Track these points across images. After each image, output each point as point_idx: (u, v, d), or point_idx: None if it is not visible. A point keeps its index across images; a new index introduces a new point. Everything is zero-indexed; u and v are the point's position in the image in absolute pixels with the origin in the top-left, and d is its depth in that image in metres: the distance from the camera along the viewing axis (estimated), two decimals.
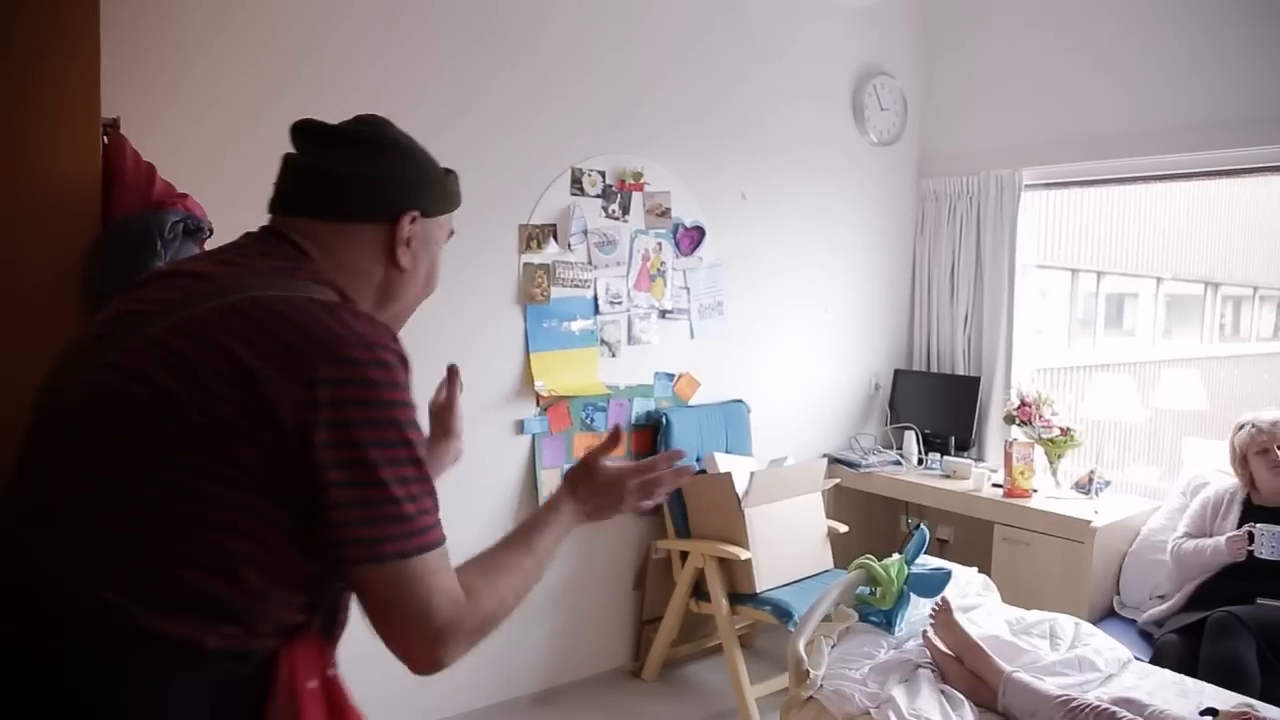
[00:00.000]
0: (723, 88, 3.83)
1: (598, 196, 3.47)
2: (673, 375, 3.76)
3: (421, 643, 1.05)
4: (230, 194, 2.49)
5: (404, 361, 1.07)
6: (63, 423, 1.04)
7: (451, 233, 1.31)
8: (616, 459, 1.36)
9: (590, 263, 3.48)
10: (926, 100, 4.64)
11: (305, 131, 1.21)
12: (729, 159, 3.89)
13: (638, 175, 3.57)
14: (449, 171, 1.29)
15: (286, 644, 1.05)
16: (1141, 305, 9.07)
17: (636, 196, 3.57)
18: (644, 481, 1.33)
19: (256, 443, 0.98)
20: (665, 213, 3.66)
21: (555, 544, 1.26)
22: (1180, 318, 9.85)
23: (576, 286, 3.45)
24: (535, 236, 3.34)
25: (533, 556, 1.21)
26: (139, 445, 0.99)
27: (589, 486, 1.32)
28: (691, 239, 3.76)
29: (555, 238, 3.39)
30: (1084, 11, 4.02)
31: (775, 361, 4.15)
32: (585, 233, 3.45)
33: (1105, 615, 3.54)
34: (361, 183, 1.18)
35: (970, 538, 4.15)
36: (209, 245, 1.80)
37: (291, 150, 1.22)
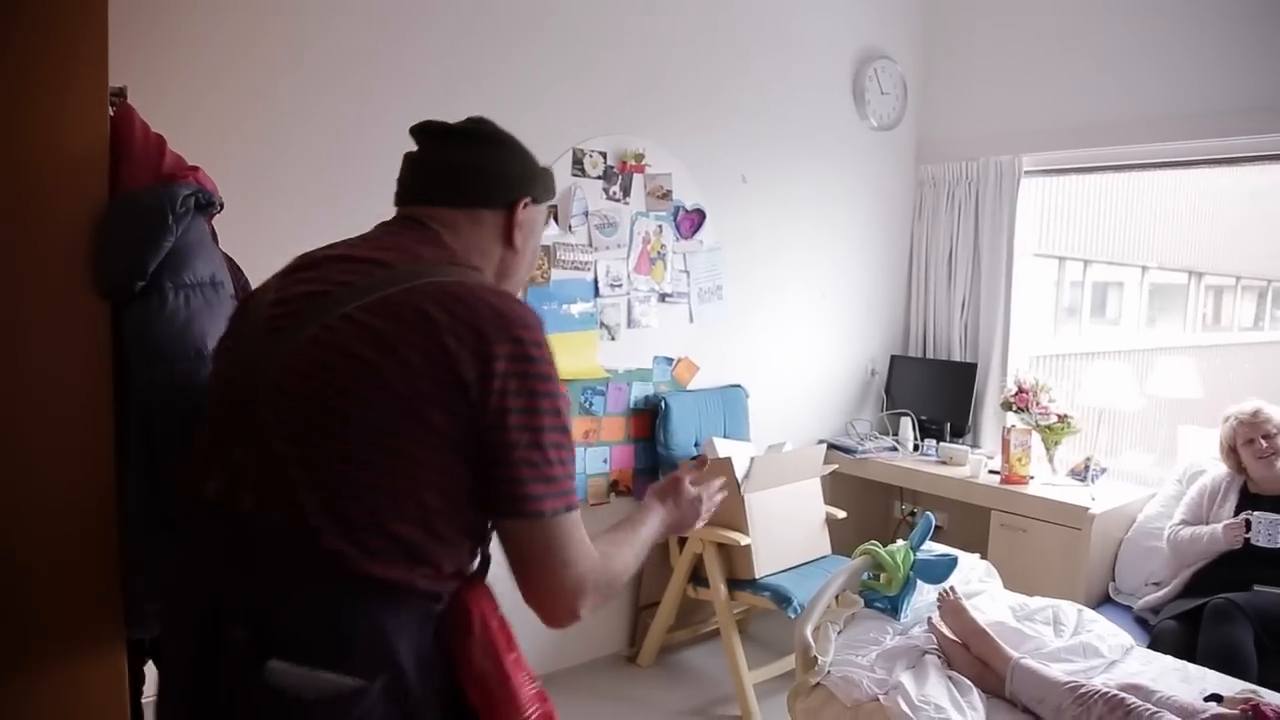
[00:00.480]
0: (725, 71, 3.79)
1: (599, 178, 3.43)
2: (671, 359, 3.73)
3: (562, 592, 1.19)
4: (238, 168, 2.48)
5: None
6: (272, 395, 1.15)
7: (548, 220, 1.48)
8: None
9: (591, 245, 3.44)
10: (926, 85, 4.62)
11: (430, 131, 1.36)
12: (730, 142, 3.85)
13: (639, 157, 3.53)
14: (546, 168, 1.46)
15: (469, 587, 1.22)
16: (1127, 294, 9.11)
17: (638, 178, 3.54)
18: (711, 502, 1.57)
19: (448, 410, 1.12)
20: (666, 195, 3.62)
21: (649, 542, 1.41)
22: (1164, 307, 9.91)
23: (576, 269, 3.41)
24: None
25: (634, 545, 1.36)
26: (351, 412, 1.12)
27: (675, 500, 1.51)
28: (692, 222, 3.72)
29: (556, 219, 3.35)
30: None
31: (773, 346, 4.13)
32: (586, 214, 3.41)
33: (1101, 601, 3.56)
34: (485, 173, 1.33)
35: (965, 524, 4.15)
36: (217, 221, 1.76)
37: (411, 148, 1.38)
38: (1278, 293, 11.50)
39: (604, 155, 3.44)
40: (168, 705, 1.27)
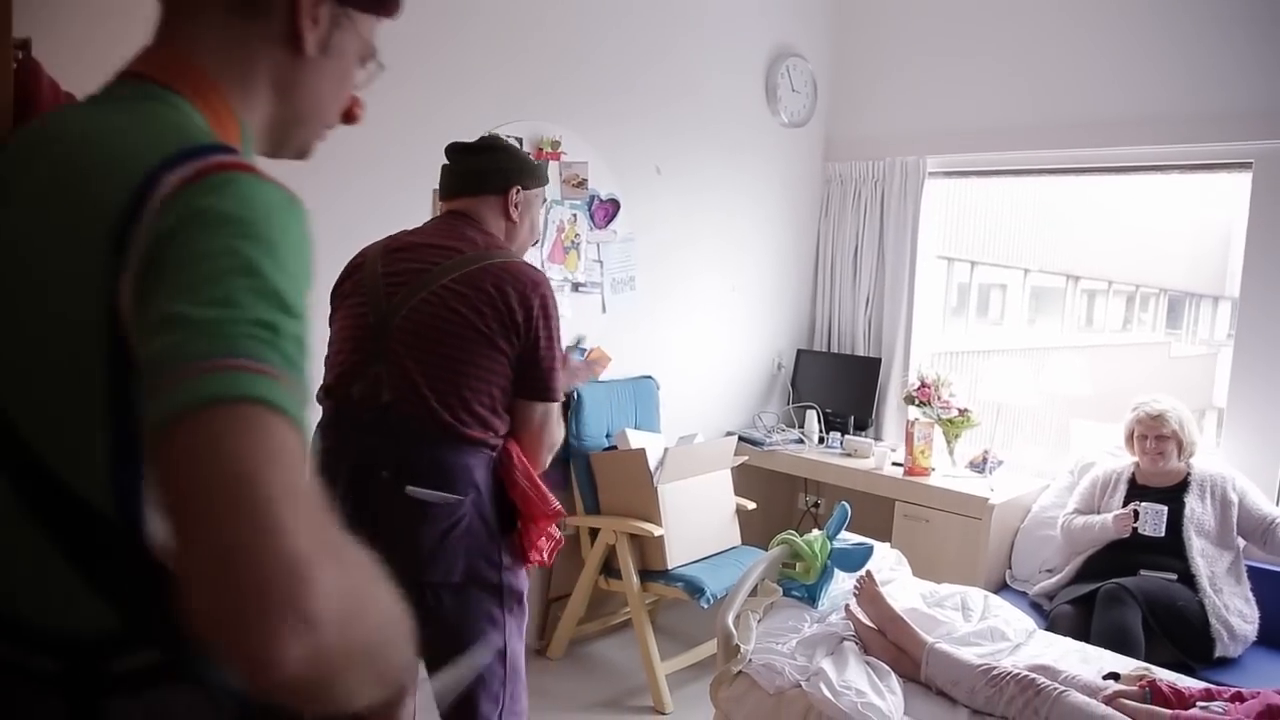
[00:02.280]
0: (641, 60, 3.78)
1: None
2: (584, 349, 3.69)
3: (554, 446, 1.96)
4: None
5: None
6: (400, 333, 1.82)
7: (545, 200, 2.15)
8: None
9: None
10: (836, 83, 4.70)
11: (456, 148, 2.03)
12: (645, 132, 3.84)
13: (555, 144, 3.48)
14: (539, 163, 2.15)
15: (508, 441, 1.89)
16: (1010, 295, 9.46)
17: (553, 166, 3.49)
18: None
19: (510, 340, 1.83)
20: (582, 184, 3.59)
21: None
22: (1043, 308, 10.34)
23: None
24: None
25: None
26: (451, 343, 1.80)
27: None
28: (606, 212, 3.70)
29: None
30: (991, 5, 4.13)
31: (683, 338, 4.15)
32: None
33: (999, 588, 3.68)
34: (489, 172, 1.97)
35: (870, 515, 4.23)
36: None
37: (445, 160, 2.04)
38: (1145, 297, 12.15)
39: (520, 141, 3.38)
40: None
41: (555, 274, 3.54)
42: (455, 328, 1.80)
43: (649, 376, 3.91)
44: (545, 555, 1.94)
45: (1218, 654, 3.05)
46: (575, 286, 3.63)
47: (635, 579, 3.35)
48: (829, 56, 4.66)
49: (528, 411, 1.88)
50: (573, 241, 3.60)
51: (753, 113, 4.32)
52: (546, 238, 3.49)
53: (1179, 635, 3.02)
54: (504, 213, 1.96)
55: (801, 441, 4.33)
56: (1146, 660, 2.79)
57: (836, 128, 4.70)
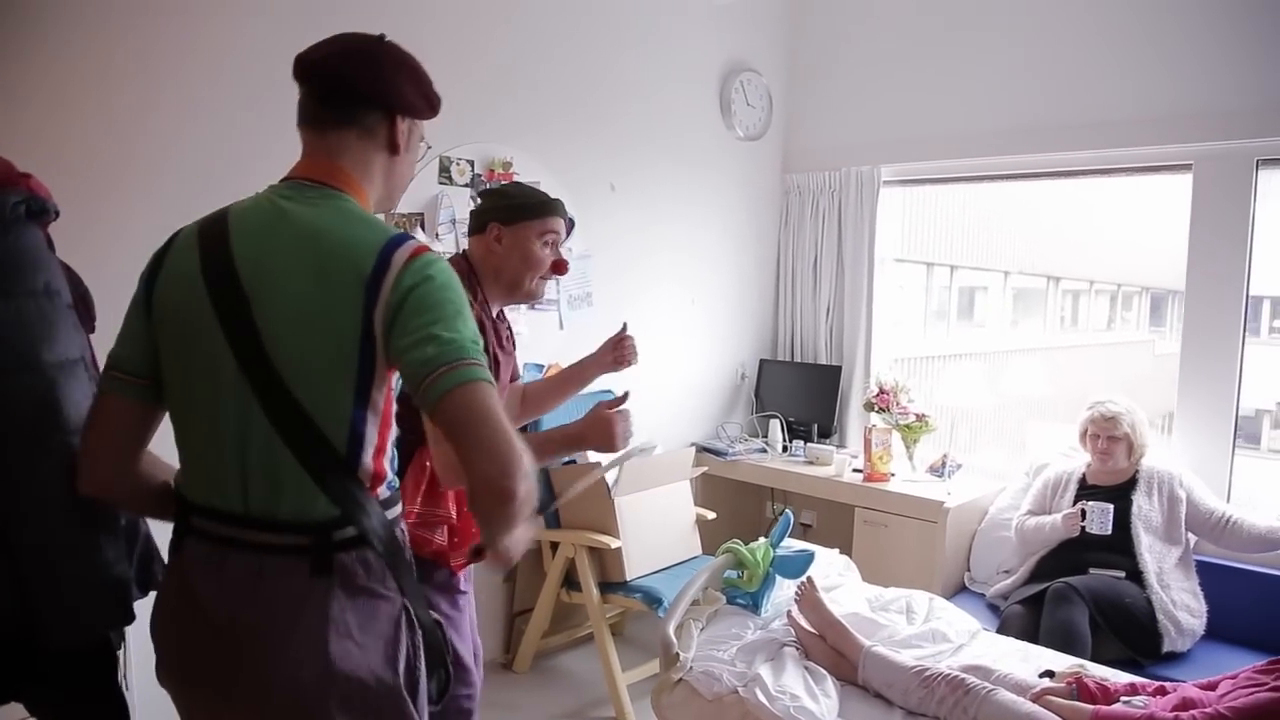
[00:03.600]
0: (592, 80, 3.85)
1: (466, 185, 3.44)
2: (542, 366, 3.75)
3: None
4: (73, 173, 2.40)
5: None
6: None
7: (551, 232, 2.11)
8: None
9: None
10: (791, 97, 4.77)
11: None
12: (598, 150, 3.91)
13: (506, 165, 3.55)
14: (541, 202, 2.12)
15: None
16: (991, 297, 9.53)
17: None
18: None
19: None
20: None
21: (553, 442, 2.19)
22: (1026, 309, 10.41)
23: None
24: (402, 225, 3.28)
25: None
26: None
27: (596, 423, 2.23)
28: None
29: (423, 227, 3.34)
30: (942, 17, 4.21)
31: (643, 352, 4.17)
32: (454, 222, 3.41)
33: (958, 590, 3.74)
34: (476, 213, 2.12)
35: (833, 521, 4.30)
36: (57, 229, 1.72)
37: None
38: (1127, 296, 12.22)
39: (471, 163, 3.45)
40: None
41: None
42: None
43: (608, 391, 3.96)
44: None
45: (1166, 649, 3.10)
46: (531, 305, 3.68)
47: (595, 591, 3.40)
48: (783, 70, 4.73)
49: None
50: None
51: (708, 128, 4.38)
52: None
53: (1126, 632, 3.07)
54: (486, 247, 2.09)
55: (765, 451, 4.38)
56: (1094, 657, 2.85)
57: (793, 140, 4.77)
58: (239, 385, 1.28)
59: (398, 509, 1.41)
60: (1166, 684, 2.26)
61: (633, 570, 3.41)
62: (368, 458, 1.33)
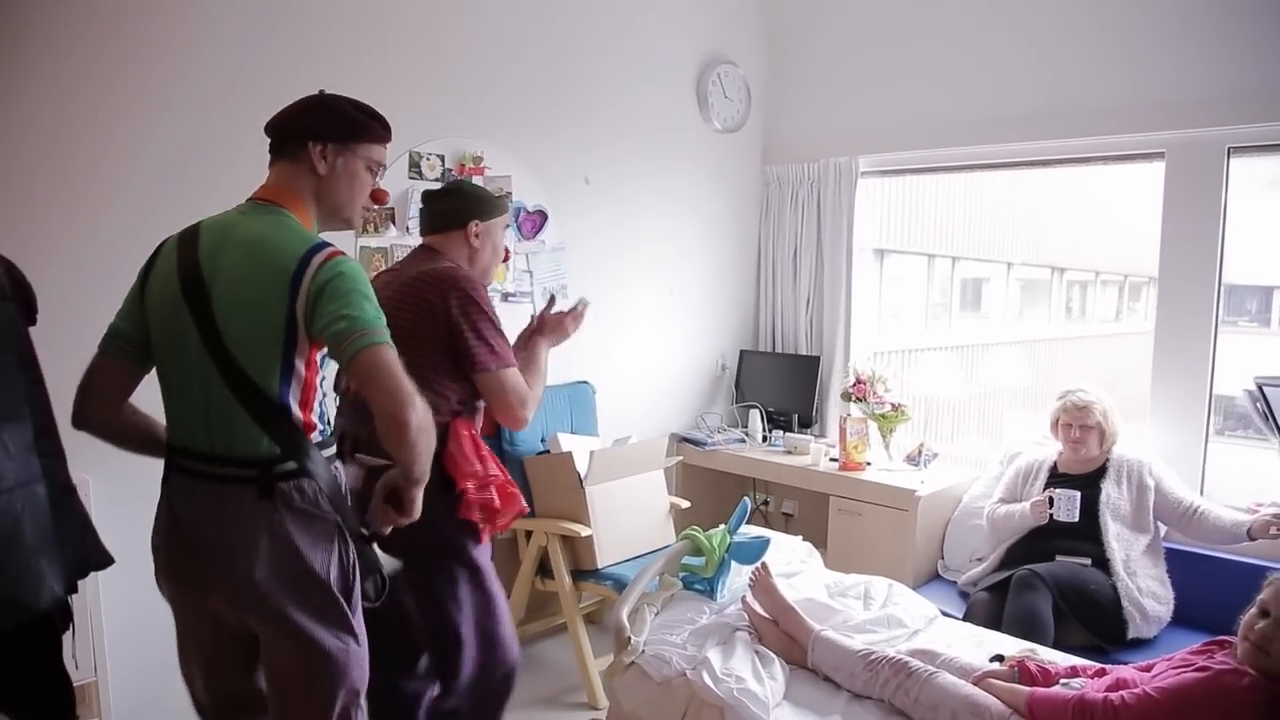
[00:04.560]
0: (565, 73, 3.88)
1: (437, 180, 3.48)
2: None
3: (522, 409, 2.36)
4: (52, 172, 2.46)
5: (484, 290, 2.32)
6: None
7: (507, 225, 2.64)
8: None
9: None
10: (769, 89, 4.79)
11: (426, 195, 2.47)
12: (572, 143, 3.94)
13: (478, 159, 3.59)
14: (498, 196, 2.51)
15: (453, 421, 2.29)
16: (994, 289, 9.49)
17: (476, 180, 3.59)
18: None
19: (432, 331, 2.22)
20: (505, 197, 3.68)
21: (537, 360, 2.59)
22: (1031, 300, 10.36)
23: None
24: (373, 220, 3.33)
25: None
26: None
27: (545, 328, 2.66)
28: (534, 223, 3.80)
29: (394, 221, 3.39)
30: (918, 8, 4.22)
31: (621, 343, 4.23)
32: None
33: (931, 578, 3.76)
34: (451, 211, 2.40)
35: (811, 510, 4.32)
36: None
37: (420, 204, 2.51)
38: (1134, 287, 12.13)
39: (441, 158, 3.49)
40: None
41: None
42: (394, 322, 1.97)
43: (585, 382, 4.00)
44: (478, 515, 2.28)
45: (1131, 635, 3.11)
46: (505, 296, 3.73)
47: (567, 579, 3.45)
48: (761, 62, 4.75)
49: (480, 384, 2.26)
50: None
51: (685, 120, 4.40)
52: None
53: (1091, 618, 3.08)
54: (466, 243, 2.38)
55: (744, 440, 4.41)
56: (1056, 644, 2.86)
57: (772, 131, 4.79)
58: (201, 355, 1.66)
59: (332, 450, 1.80)
60: (1107, 666, 2.28)
61: (604, 558, 3.45)
62: (295, 409, 1.70)
